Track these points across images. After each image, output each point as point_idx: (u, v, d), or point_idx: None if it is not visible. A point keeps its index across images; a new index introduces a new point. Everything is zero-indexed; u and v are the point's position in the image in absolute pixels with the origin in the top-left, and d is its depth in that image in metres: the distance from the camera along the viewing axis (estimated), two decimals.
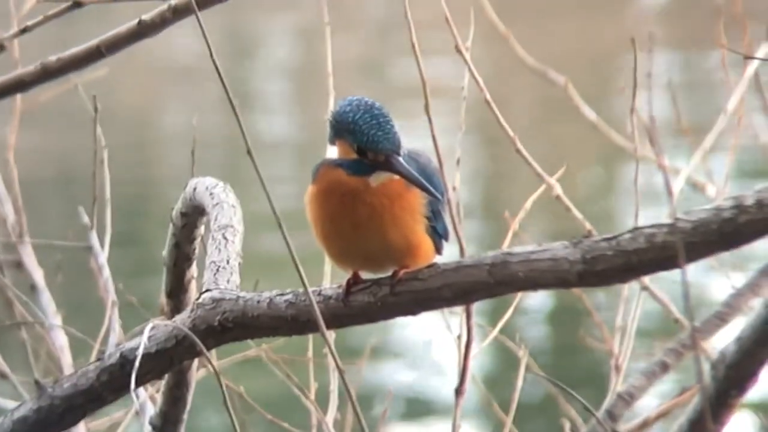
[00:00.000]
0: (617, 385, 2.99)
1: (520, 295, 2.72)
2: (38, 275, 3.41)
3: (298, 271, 1.80)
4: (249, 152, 1.73)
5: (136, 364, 2.04)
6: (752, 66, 3.33)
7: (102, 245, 3.08)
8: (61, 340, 3.29)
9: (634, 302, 3.13)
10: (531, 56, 3.72)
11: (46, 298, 3.34)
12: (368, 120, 2.01)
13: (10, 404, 2.83)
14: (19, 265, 3.48)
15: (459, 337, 2.81)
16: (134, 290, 3.26)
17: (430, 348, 6.23)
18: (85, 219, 3.09)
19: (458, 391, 2.74)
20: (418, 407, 6.05)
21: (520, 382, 2.99)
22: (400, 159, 2.02)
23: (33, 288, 3.40)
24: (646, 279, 3.04)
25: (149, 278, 2.47)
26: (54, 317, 3.32)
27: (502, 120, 2.58)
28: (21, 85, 2.31)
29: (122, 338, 3.02)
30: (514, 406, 2.93)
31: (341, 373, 1.94)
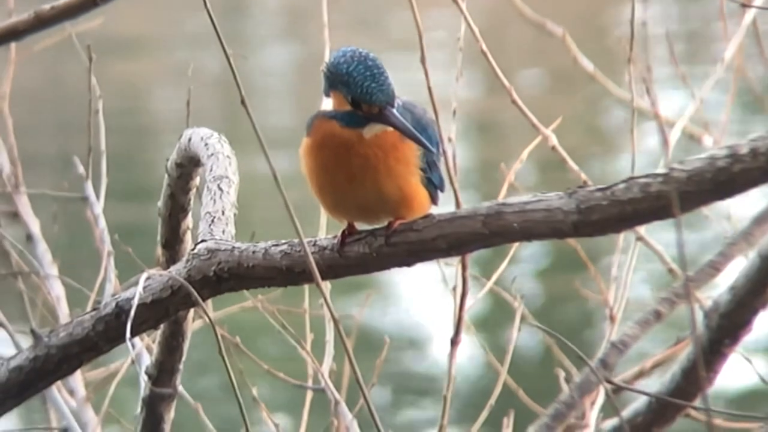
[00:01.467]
0: (612, 334, 3.01)
1: (516, 245, 2.73)
2: (34, 225, 3.41)
3: (293, 220, 1.80)
4: (243, 102, 1.73)
5: (132, 313, 2.04)
6: (750, 14, 3.31)
7: (98, 195, 3.08)
8: (57, 290, 3.30)
9: (630, 252, 3.14)
10: (529, 5, 3.70)
11: (42, 249, 3.34)
12: (362, 71, 2.00)
13: (7, 353, 2.84)
14: (15, 216, 3.48)
15: (454, 288, 2.82)
16: (131, 240, 3.26)
17: (427, 298, 6.25)
18: (80, 169, 3.09)
19: (453, 341, 2.76)
20: (414, 357, 6.08)
21: (515, 333, 3.00)
22: (394, 111, 2.01)
23: (29, 238, 3.41)
24: (641, 229, 3.05)
25: (146, 228, 2.47)
26: (50, 267, 3.32)
27: (498, 70, 2.57)
28: (14, 33, 2.30)
29: (118, 288, 3.03)
30: (509, 356, 2.95)
31: (336, 323, 1.95)
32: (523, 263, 6.65)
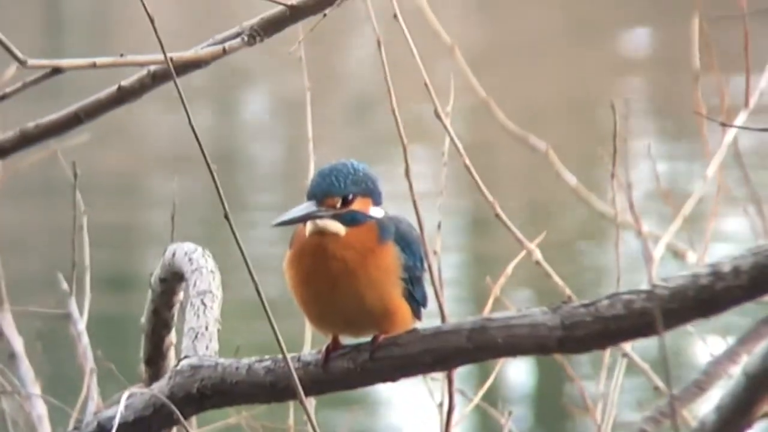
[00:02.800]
0: None
1: (502, 360, 2.71)
2: (18, 344, 3.39)
3: (277, 337, 1.79)
4: (226, 216, 1.73)
5: None
6: (730, 134, 3.35)
7: (81, 312, 3.07)
8: (39, 408, 3.27)
9: (616, 369, 3.12)
10: (514, 106, 3.73)
11: (25, 367, 3.31)
12: (321, 171, 2.03)
13: None
14: None
15: (441, 404, 2.80)
16: (116, 356, 3.24)
17: (414, 413, 6.20)
18: (64, 285, 3.08)
19: None
20: None
21: None
22: (315, 207, 2.00)
23: (12, 356, 3.38)
24: (627, 346, 3.04)
25: (131, 344, 2.45)
26: (32, 386, 3.29)
27: (481, 185, 2.59)
28: (0, 151, 2.31)
29: (101, 406, 3.00)
30: None
31: None
32: (511, 378, 6.61)
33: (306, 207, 2.01)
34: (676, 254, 3.69)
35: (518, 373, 6.66)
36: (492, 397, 3.24)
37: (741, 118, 3.38)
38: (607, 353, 3.15)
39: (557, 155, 3.62)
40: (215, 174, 1.76)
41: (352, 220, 2.02)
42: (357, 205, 2.03)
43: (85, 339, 3.00)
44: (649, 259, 3.19)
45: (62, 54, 2.24)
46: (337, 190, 2.02)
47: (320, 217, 2.01)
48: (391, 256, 2.03)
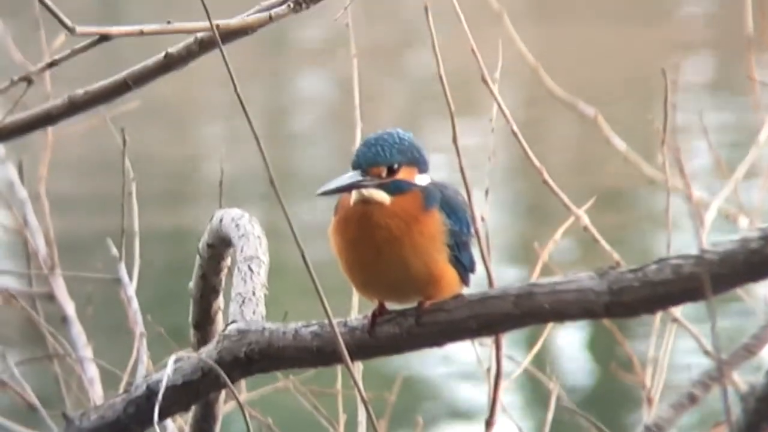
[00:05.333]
0: (649, 418, 2.97)
1: (550, 325, 2.71)
2: (69, 307, 3.43)
3: (322, 302, 1.80)
4: (272, 183, 1.74)
5: (160, 396, 2.04)
6: None
7: (131, 277, 3.10)
8: (91, 371, 3.31)
9: (666, 334, 3.11)
10: (564, 78, 3.71)
11: (77, 330, 3.35)
12: (366, 141, 2.03)
13: None
14: (51, 297, 3.50)
15: (489, 369, 2.80)
16: (168, 320, 3.26)
17: (462, 378, 6.21)
18: (114, 251, 3.11)
19: (488, 423, 2.73)
20: None
21: (550, 416, 2.98)
22: (360, 176, 2.01)
23: (64, 320, 3.42)
24: (677, 310, 3.02)
25: (181, 308, 2.48)
26: (85, 349, 3.33)
27: (529, 151, 2.58)
28: (48, 118, 2.33)
29: (151, 369, 3.03)
30: None
31: (366, 405, 1.94)
32: (560, 343, 6.60)
33: (351, 176, 2.02)
34: (728, 218, 3.67)
35: (568, 338, 6.65)
36: (541, 362, 3.24)
37: None
38: (658, 318, 3.14)
39: (608, 123, 3.60)
40: (260, 142, 1.77)
41: (396, 188, 2.02)
42: (402, 174, 2.03)
43: (135, 303, 3.03)
44: (699, 223, 3.16)
45: (118, 23, 2.25)
46: (383, 160, 2.02)
47: (365, 186, 2.01)
48: (436, 222, 2.03)
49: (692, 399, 2.18)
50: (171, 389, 2.08)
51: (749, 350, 2.15)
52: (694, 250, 1.95)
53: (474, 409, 5.97)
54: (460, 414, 6.10)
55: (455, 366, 6.25)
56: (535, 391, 5.58)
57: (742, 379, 2.85)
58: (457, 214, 2.06)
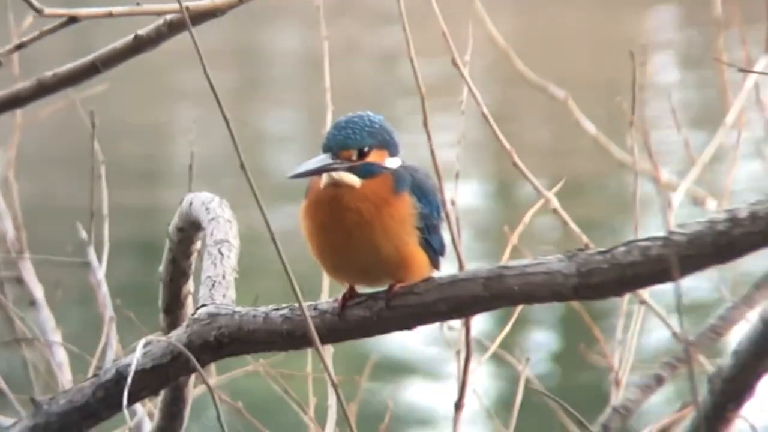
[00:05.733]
0: (617, 399, 2.99)
1: (520, 308, 2.72)
2: (38, 291, 3.42)
3: (292, 284, 1.80)
4: (242, 166, 1.73)
5: (129, 380, 2.03)
6: (751, 79, 3.33)
7: (100, 260, 3.09)
8: (60, 356, 3.30)
9: (634, 316, 3.13)
10: (536, 60, 3.72)
11: (45, 314, 3.34)
12: (337, 123, 2.03)
13: (8, 422, 2.83)
14: (19, 281, 3.48)
15: (458, 352, 2.81)
16: (136, 304, 3.26)
17: (431, 362, 6.22)
18: (83, 234, 3.10)
19: (458, 406, 2.74)
20: (418, 422, 6.04)
21: (519, 397, 2.99)
22: (330, 159, 2.01)
23: (33, 304, 3.41)
24: (645, 293, 3.04)
25: (150, 292, 2.48)
26: (53, 333, 3.32)
27: (499, 133, 2.58)
28: (17, 100, 2.32)
29: (120, 354, 3.02)
30: (513, 420, 2.93)
31: (336, 388, 1.94)
32: (529, 326, 6.63)
33: (321, 159, 2.02)
34: (696, 201, 3.69)
35: (537, 321, 6.67)
36: (511, 344, 3.25)
37: (761, 64, 3.36)
38: (625, 300, 3.15)
39: (577, 105, 3.61)
40: (231, 124, 1.76)
41: (367, 171, 2.02)
42: (373, 157, 2.03)
43: (104, 287, 3.02)
44: (666, 205, 3.18)
45: (88, 5, 2.24)
46: (353, 143, 2.02)
47: (335, 170, 2.01)
48: (406, 205, 2.03)
49: (659, 380, 2.20)
50: (140, 373, 2.08)
51: (716, 332, 2.16)
52: (662, 233, 1.96)
53: (443, 393, 5.98)
54: (430, 398, 6.12)
55: (425, 348, 6.26)
56: (504, 376, 5.61)
57: (708, 360, 2.87)
58: (428, 198, 2.06)
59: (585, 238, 2.96)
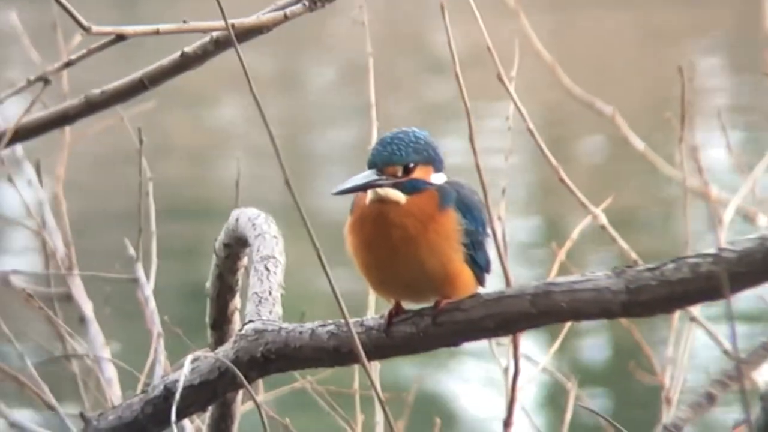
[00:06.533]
0: (668, 418, 2.96)
1: (569, 324, 2.70)
2: (87, 307, 3.43)
3: (338, 300, 1.80)
4: (287, 183, 1.73)
5: (177, 396, 2.04)
6: None
7: (148, 277, 3.10)
8: (109, 372, 3.31)
9: (685, 333, 3.10)
10: (582, 84, 3.71)
11: (95, 330, 3.35)
12: (382, 139, 2.03)
13: None
14: (68, 298, 3.50)
15: (506, 368, 2.79)
16: (186, 318, 3.26)
17: (480, 377, 6.20)
18: (131, 251, 3.11)
19: (506, 423, 2.72)
20: None
21: (568, 415, 2.97)
22: (375, 176, 2.01)
23: (82, 320, 3.42)
24: (695, 309, 3.01)
25: (200, 306, 2.49)
26: (102, 349, 3.33)
27: (545, 149, 2.57)
28: (65, 118, 2.34)
29: (168, 370, 3.03)
30: None
31: (383, 405, 1.94)
32: (579, 342, 6.59)
33: (367, 175, 2.02)
34: (747, 217, 3.65)
35: (587, 337, 6.63)
36: (561, 359, 3.23)
37: None
38: (676, 317, 3.12)
39: (625, 121, 3.59)
40: (276, 141, 1.76)
41: (412, 188, 2.02)
42: (418, 173, 2.03)
43: (152, 304, 3.03)
44: (717, 222, 3.15)
45: (135, 23, 2.26)
46: (398, 159, 2.02)
47: (381, 186, 2.01)
48: (452, 221, 2.03)
49: (711, 399, 2.17)
50: (188, 389, 2.08)
51: None
52: (712, 249, 1.94)
53: (492, 410, 5.96)
54: (478, 414, 6.09)
55: (474, 366, 6.24)
56: (554, 392, 5.57)
57: (761, 378, 2.83)
58: (473, 213, 2.06)
59: (634, 255, 2.94)
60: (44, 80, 2.26)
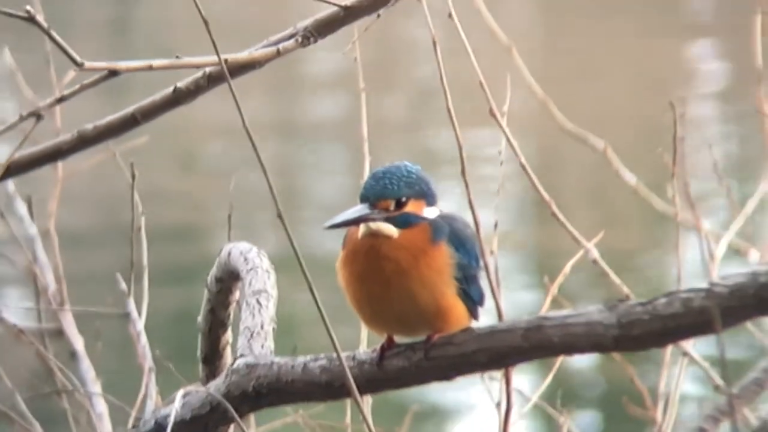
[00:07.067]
0: None
1: (561, 358, 2.70)
2: (78, 343, 3.43)
3: (330, 334, 1.80)
4: (279, 216, 1.74)
5: (168, 431, 2.03)
6: None
7: (139, 312, 3.09)
8: (100, 407, 3.30)
9: (677, 368, 3.10)
10: (574, 117, 3.72)
11: (86, 366, 3.35)
12: (374, 174, 2.04)
13: None
14: (59, 333, 3.49)
15: (498, 404, 2.79)
16: (177, 351, 3.26)
17: (472, 413, 6.18)
18: (123, 286, 3.11)
19: None
20: None
21: None
22: (368, 210, 2.01)
23: (73, 355, 3.42)
24: (688, 344, 3.01)
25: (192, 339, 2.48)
26: (93, 384, 3.32)
27: (537, 183, 2.57)
28: (58, 153, 2.34)
29: (160, 404, 3.02)
30: None
31: None
32: (570, 376, 6.58)
33: (359, 209, 2.02)
34: (739, 252, 3.66)
35: (579, 371, 6.62)
36: (552, 396, 3.23)
37: None
38: (668, 351, 3.12)
39: (617, 156, 3.60)
40: (267, 173, 1.77)
41: (404, 221, 2.02)
42: (410, 207, 2.03)
43: (144, 338, 3.03)
44: (709, 257, 3.15)
45: (129, 56, 2.26)
46: (391, 193, 2.02)
47: (373, 220, 2.02)
48: (444, 255, 2.03)
49: None
50: (179, 424, 2.08)
51: (760, 384, 2.14)
52: (704, 284, 1.94)
53: None
54: None
55: (466, 399, 6.23)
56: (546, 427, 5.56)
57: (752, 413, 2.83)
58: (466, 247, 2.06)
59: (626, 289, 2.94)
60: (37, 116, 2.27)
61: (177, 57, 2.25)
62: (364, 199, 2.03)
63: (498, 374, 2.79)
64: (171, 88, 2.29)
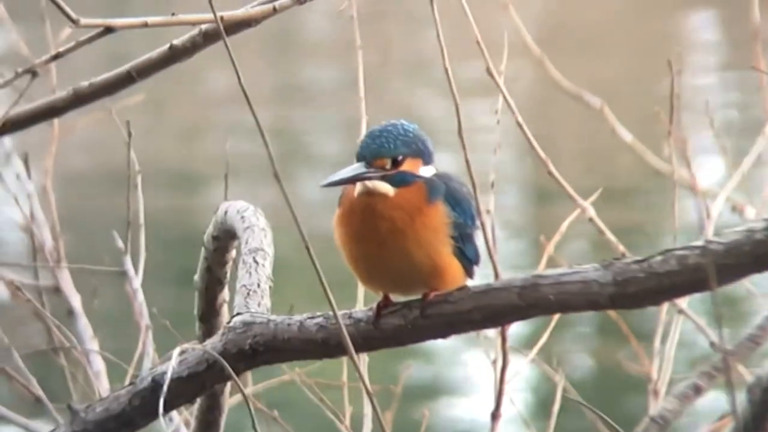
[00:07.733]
0: (655, 409, 2.96)
1: (557, 316, 2.71)
2: (75, 300, 3.43)
3: (326, 293, 1.80)
4: (276, 175, 1.73)
5: (165, 388, 2.04)
6: None
7: (136, 270, 3.10)
8: (98, 364, 3.31)
9: (672, 325, 3.11)
10: (571, 79, 3.71)
11: (83, 323, 3.35)
12: (371, 132, 2.04)
13: (46, 430, 2.84)
14: (56, 290, 3.50)
15: (494, 361, 2.80)
16: (175, 309, 3.26)
17: (467, 371, 6.21)
18: (120, 244, 3.11)
19: (494, 416, 2.73)
20: (454, 431, 6.02)
21: (556, 407, 2.98)
22: (364, 168, 2.01)
23: (70, 313, 3.42)
24: (683, 301, 3.02)
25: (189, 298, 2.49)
26: (91, 342, 3.33)
27: (534, 142, 2.57)
28: (53, 111, 2.33)
29: (156, 362, 3.03)
30: (550, 431, 2.92)
31: (371, 397, 1.94)
32: (566, 333, 6.60)
33: (355, 168, 2.02)
34: (734, 209, 3.66)
35: (574, 328, 6.64)
36: (549, 352, 3.24)
37: None
38: (663, 309, 3.13)
39: (614, 113, 3.59)
40: (264, 132, 1.76)
41: (401, 180, 2.02)
42: (406, 166, 2.03)
43: (141, 296, 3.03)
44: (705, 215, 3.16)
45: (124, 15, 2.25)
46: (387, 152, 2.02)
47: (369, 178, 2.02)
48: (440, 214, 2.03)
49: (698, 390, 2.18)
50: (176, 381, 2.08)
51: (754, 341, 2.14)
52: (699, 242, 1.94)
53: (480, 402, 5.97)
54: (466, 408, 6.11)
55: (462, 357, 6.25)
56: (542, 384, 5.58)
57: (747, 369, 2.84)
58: (462, 206, 2.06)
59: (622, 247, 2.94)
60: (32, 73, 2.26)
61: (173, 14, 2.23)
62: (360, 157, 2.03)
63: (493, 332, 2.80)
64: (167, 46, 2.28)
